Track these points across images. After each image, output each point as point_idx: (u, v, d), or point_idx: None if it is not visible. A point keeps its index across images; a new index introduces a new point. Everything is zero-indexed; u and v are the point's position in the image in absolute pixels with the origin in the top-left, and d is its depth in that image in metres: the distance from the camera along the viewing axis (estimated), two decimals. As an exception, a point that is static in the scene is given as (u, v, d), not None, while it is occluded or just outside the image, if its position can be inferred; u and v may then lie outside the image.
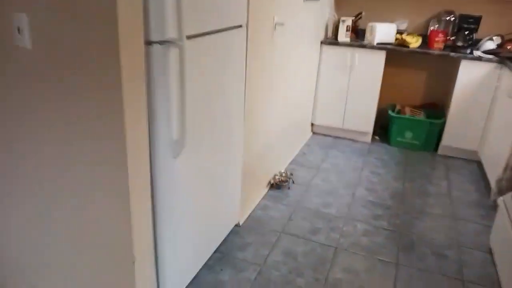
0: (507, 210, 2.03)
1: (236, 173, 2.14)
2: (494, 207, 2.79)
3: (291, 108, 3.10)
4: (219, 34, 1.65)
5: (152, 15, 1.21)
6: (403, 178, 3.16)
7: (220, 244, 2.18)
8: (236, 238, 2.27)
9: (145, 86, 1.26)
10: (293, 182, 2.95)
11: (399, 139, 3.73)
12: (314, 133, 4.00)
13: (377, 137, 3.95)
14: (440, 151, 3.65)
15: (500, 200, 2.12)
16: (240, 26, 1.85)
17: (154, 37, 1.23)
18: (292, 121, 3.21)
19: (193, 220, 1.75)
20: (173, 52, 1.34)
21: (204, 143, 1.70)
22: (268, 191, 2.82)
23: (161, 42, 1.26)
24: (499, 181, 1.73)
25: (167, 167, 1.47)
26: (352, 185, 3.00)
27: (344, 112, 3.77)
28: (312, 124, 3.96)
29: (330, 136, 3.94)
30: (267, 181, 2.83)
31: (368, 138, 3.84)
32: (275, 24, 2.31)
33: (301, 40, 2.98)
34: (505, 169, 1.70)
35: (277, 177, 2.88)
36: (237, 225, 2.36)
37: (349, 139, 3.88)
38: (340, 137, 3.92)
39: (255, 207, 2.60)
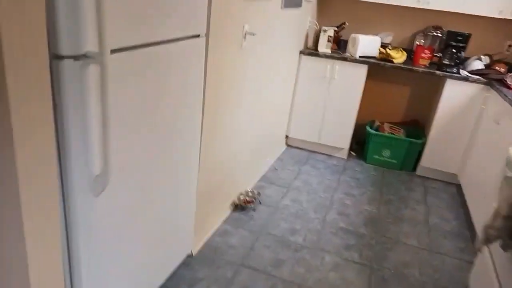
0: (492, 260, 1.83)
1: (189, 196, 1.89)
2: (475, 249, 2.62)
3: (262, 121, 2.87)
4: (167, 46, 1.40)
5: (62, 21, 0.95)
6: (378, 201, 2.96)
7: (168, 279, 1.93)
8: (187, 271, 2.01)
9: (52, 110, 1.00)
10: (259, 203, 2.72)
11: (376, 156, 3.53)
12: (288, 145, 3.77)
13: (353, 153, 3.75)
14: (418, 171, 3.47)
15: (484, 248, 1.92)
16: (198, 35, 1.60)
17: (64, 50, 0.97)
18: (263, 134, 2.98)
19: (127, 260, 1.49)
20: (93, 69, 1.08)
21: (141, 171, 1.45)
22: (231, 213, 2.57)
23: (75, 57, 1.00)
24: (487, 228, 1.53)
25: (87, 209, 1.21)
26: (324, 207, 2.78)
27: (321, 126, 3.56)
28: (286, 137, 3.73)
29: (305, 149, 3.72)
30: (231, 202, 2.59)
31: (344, 154, 3.63)
32: (245, 34, 2.07)
33: (276, 49, 2.74)
34: (495, 215, 1.50)
35: (242, 197, 2.64)
36: (189, 256, 2.11)
37: (325, 154, 3.67)
38: (316, 151, 3.71)
39: (214, 232, 2.35)
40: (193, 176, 1.88)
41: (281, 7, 2.57)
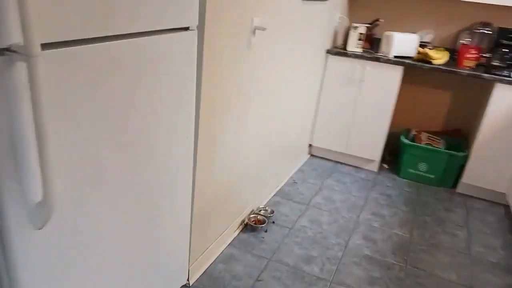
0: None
1: (181, 218, 1.60)
2: (526, 278, 2.19)
3: (279, 129, 2.54)
4: (137, 40, 1.11)
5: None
6: (411, 223, 2.57)
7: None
8: (178, 307, 1.73)
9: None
10: (273, 223, 2.40)
11: (411, 170, 3.13)
12: (312, 155, 3.43)
13: (385, 165, 3.36)
14: (459, 189, 3.04)
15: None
16: (187, 28, 1.30)
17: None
18: (280, 144, 2.65)
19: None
20: (21, 67, 0.81)
21: (110, 191, 1.17)
22: (239, 234, 2.27)
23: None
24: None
25: (28, 246, 0.94)
26: (347, 230, 2.42)
27: (348, 134, 3.19)
28: (310, 145, 3.39)
29: (330, 160, 3.36)
30: (240, 221, 2.29)
31: (375, 166, 3.25)
32: (254, 28, 1.76)
33: (296, 48, 2.41)
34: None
35: (252, 216, 2.33)
36: (186, 286, 1.82)
37: (352, 166, 3.30)
38: (342, 162, 3.34)
39: (217, 258, 2.05)
40: (186, 196, 1.59)
41: (302, 0, 2.24)
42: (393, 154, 3.46)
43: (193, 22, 1.32)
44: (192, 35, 1.33)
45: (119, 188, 1.19)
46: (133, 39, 1.09)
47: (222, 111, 1.72)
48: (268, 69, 2.08)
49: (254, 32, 1.77)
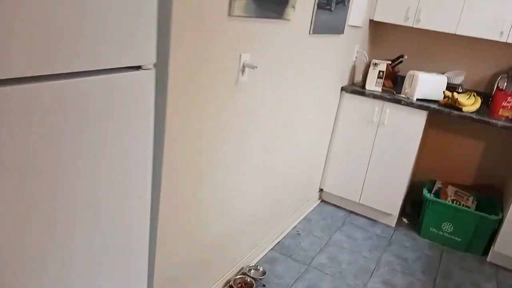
0: None
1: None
2: None
3: (285, 172, 2.23)
4: (72, 81, 0.85)
5: None
6: (430, 298, 2.17)
7: None
8: None
9: None
10: (263, 286, 2.06)
11: (433, 230, 2.72)
12: (323, 201, 3.08)
13: (405, 220, 2.96)
14: (491, 257, 2.60)
15: None
16: (139, 67, 1.04)
17: None
18: (285, 189, 2.34)
19: None
20: None
21: (34, 263, 0.89)
22: (220, 299, 1.94)
23: None
24: None
25: None
26: (351, 302, 2.05)
27: (364, 183, 2.83)
28: (321, 190, 3.05)
29: (343, 209, 3.00)
30: (225, 281, 1.96)
31: (393, 221, 2.86)
32: (243, 66, 1.48)
33: (303, 84, 2.12)
34: None
35: (238, 278, 2.00)
36: None
37: (367, 218, 2.92)
38: (356, 212, 2.98)
39: (186, 331, 1.73)
40: (142, 264, 1.29)
41: (309, 33, 1.96)
42: (416, 207, 3.06)
43: (149, 60, 1.05)
44: (147, 75, 1.07)
45: (44, 265, 0.91)
46: (65, 80, 0.83)
47: (203, 157, 1.44)
48: (263, 109, 1.79)
49: (243, 70, 1.50)
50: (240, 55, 1.46)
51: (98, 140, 0.98)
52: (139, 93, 1.06)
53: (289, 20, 1.73)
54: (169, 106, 1.21)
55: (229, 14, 1.33)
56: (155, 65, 1.09)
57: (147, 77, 1.07)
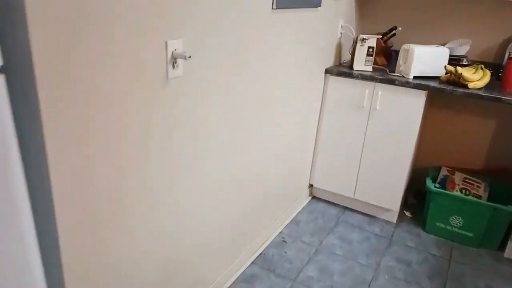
0: None
1: None
2: None
3: (259, 173, 1.90)
4: None
5: None
6: (438, 310, 1.85)
7: None
8: None
9: None
10: (238, 314, 1.75)
11: (440, 225, 2.38)
12: (314, 197, 2.75)
13: (408, 213, 2.63)
14: (508, 253, 2.26)
15: None
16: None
17: None
18: (265, 189, 2.01)
19: None
20: None
21: None
22: (184, 335, 1.63)
23: None
24: None
25: None
26: (344, 325, 1.74)
27: (357, 175, 2.49)
28: (311, 185, 2.71)
29: (336, 205, 2.67)
30: (190, 313, 1.66)
31: (393, 216, 2.52)
32: (172, 56, 1.13)
33: (274, 73, 1.77)
34: None
35: (207, 308, 1.69)
36: None
37: (365, 214, 2.59)
38: (352, 208, 2.64)
39: None
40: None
41: (272, 8, 1.59)
42: (419, 196, 2.72)
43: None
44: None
45: None
46: None
47: (130, 161, 1.11)
48: (220, 103, 1.45)
49: (174, 62, 1.15)
50: (166, 42, 1.11)
51: None
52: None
53: (239, -8, 1.37)
54: (47, 118, 0.87)
55: (138, -11, 0.97)
56: (3, 68, 0.75)
57: (-8, 88, 0.73)
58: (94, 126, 0.97)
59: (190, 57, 1.13)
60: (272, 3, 1.58)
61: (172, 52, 1.13)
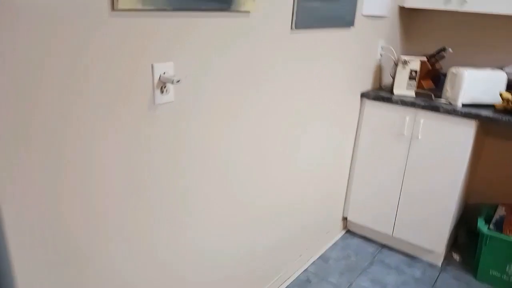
0: None
1: None
2: None
3: (285, 205, 1.75)
4: None
5: None
6: None
7: None
8: None
9: None
10: None
11: (494, 273, 2.06)
12: (348, 231, 2.52)
13: (456, 256, 2.31)
14: None
15: None
16: None
17: None
18: (289, 224, 1.84)
19: None
20: None
21: None
22: None
23: None
24: None
25: None
26: None
27: (397, 211, 2.24)
28: (345, 219, 2.49)
29: (373, 241, 2.42)
30: None
31: (438, 258, 2.23)
32: (160, 80, 1.04)
33: (299, 98, 1.63)
34: None
35: None
36: None
37: (404, 254, 2.32)
38: (390, 246, 2.38)
39: None
40: None
41: (291, 28, 1.46)
42: (471, 236, 2.40)
43: None
44: None
45: None
46: None
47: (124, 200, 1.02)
48: (239, 125, 1.33)
49: (162, 88, 1.05)
50: (153, 65, 1.02)
51: None
52: None
53: (247, 12, 1.25)
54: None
55: (113, 9, 0.89)
56: None
57: None
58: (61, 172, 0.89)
59: (178, 81, 1.02)
60: (291, 24, 1.45)
61: (160, 75, 1.03)
